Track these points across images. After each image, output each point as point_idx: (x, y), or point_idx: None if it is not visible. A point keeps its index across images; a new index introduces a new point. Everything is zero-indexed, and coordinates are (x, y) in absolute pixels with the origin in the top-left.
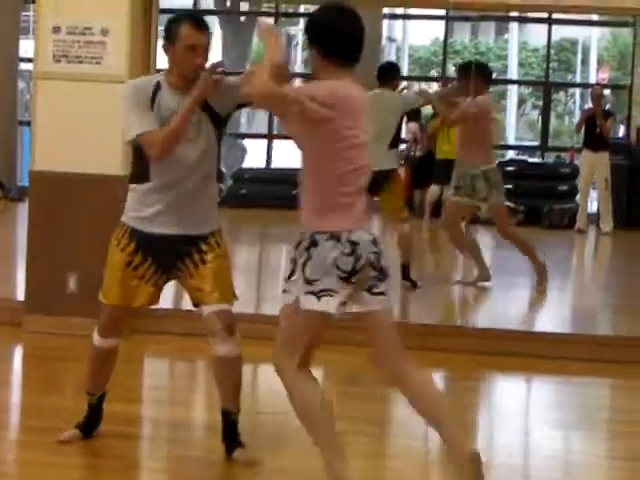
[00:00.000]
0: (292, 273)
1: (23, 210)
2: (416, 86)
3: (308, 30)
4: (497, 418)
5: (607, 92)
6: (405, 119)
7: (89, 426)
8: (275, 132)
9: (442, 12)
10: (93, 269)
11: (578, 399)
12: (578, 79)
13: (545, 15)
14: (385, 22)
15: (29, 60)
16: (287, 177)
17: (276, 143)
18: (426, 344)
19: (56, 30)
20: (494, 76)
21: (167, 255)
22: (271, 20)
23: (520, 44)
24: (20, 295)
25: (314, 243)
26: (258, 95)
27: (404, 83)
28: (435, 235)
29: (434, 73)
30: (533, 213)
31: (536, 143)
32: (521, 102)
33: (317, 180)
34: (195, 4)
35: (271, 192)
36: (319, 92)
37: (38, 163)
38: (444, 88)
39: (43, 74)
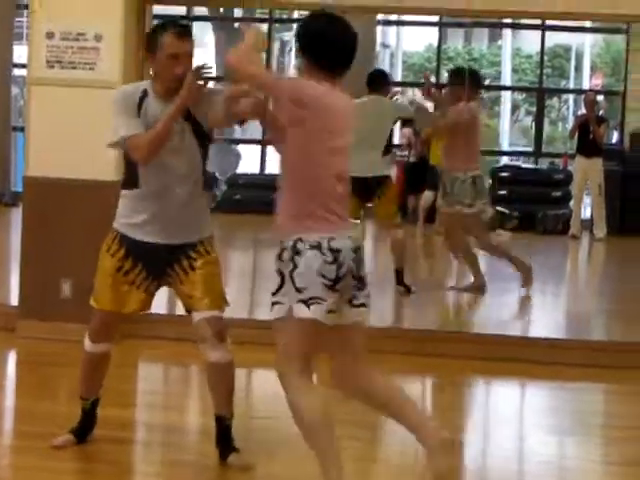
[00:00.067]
0: (280, 286)
1: (17, 215)
2: (410, 92)
3: (298, 36)
4: (491, 423)
5: (600, 98)
6: (399, 124)
7: (83, 431)
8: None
9: (435, 18)
10: (87, 275)
11: (572, 404)
12: (571, 85)
13: (538, 22)
14: (379, 28)
15: (23, 66)
16: None
17: (270, 149)
18: (420, 349)
19: (50, 36)
20: (487, 82)
21: (156, 262)
22: (265, 26)
23: (513, 50)
24: (14, 300)
25: (297, 252)
26: (234, 63)
27: (398, 89)
28: (429, 241)
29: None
30: (527, 219)
31: (530, 149)
32: (515, 108)
33: (293, 185)
34: (188, 10)
35: (265, 198)
36: (293, 86)
37: (32, 169)
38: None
39: (37, 80)
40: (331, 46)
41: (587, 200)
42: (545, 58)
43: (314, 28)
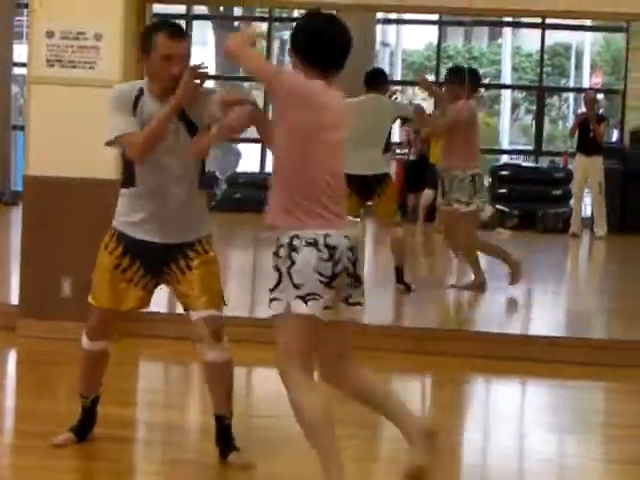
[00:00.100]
0: (278, 282)
1: (17, 214)
2: (410, 91)
3: (294, 35)
4: (491, 421)
5: (600, 97)
6: (399, 122)
7: (83, 429)
8: None
9: (435, 17)
10: (87, 274)
11: (573, 402)
12: (571, 84)
13: (539, 20)
14: (379, 27)
15: (23, 65)
16: None
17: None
18: (420, 347)
19: (50, 35)
20: (487, 81)
21: (153, 260)
22: (264, 25)
23: (513, 49)
24: (14, 299)
25: (294, 249)
26: (233, 49)
27: (397, 87)
28: (429, 239)
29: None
30: (527, 217)
31: (530, 147)
32: (515, 107)
33: (285, 180)
34: (188, 9)
35: (265, 196)
36: (292, 80)
37: (32, 167)
38: (435, 114)
39: (37, 79)
40: (327, 45)
41: (587, 198)
42: (545, 56)
43: (311, 27)
